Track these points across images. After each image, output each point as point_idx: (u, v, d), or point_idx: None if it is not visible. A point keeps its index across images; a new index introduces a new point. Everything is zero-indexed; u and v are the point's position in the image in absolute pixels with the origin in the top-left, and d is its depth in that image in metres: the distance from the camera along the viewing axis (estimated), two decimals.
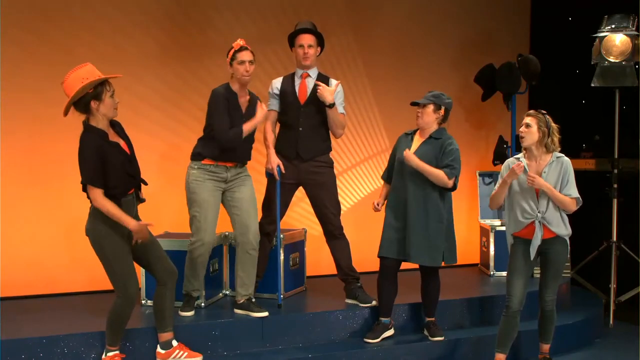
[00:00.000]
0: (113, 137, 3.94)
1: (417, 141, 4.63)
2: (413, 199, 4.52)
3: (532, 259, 4.31)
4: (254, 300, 4.77)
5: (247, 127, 4.52)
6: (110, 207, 3.82)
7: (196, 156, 4.64)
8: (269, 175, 4.91)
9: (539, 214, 4.26)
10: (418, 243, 4.51)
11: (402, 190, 4.56)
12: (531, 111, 4.37)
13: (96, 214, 3.88)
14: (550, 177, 4.28)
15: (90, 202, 3.90)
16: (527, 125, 4.29)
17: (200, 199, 4.56)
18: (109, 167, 3.82)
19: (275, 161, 4.84)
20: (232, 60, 4.55)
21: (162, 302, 4.14)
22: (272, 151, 4.88)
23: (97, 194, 3.81)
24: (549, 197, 4.25)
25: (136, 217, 4.05)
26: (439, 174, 4.46)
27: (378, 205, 4.75)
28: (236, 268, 4.74)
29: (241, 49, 4.54)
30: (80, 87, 3.76)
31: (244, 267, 4.69)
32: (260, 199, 5.05)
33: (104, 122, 3.89)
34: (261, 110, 4.56)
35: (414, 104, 4.62)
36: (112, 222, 3.87)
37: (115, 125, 4.01)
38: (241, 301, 4.69)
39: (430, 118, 4.57)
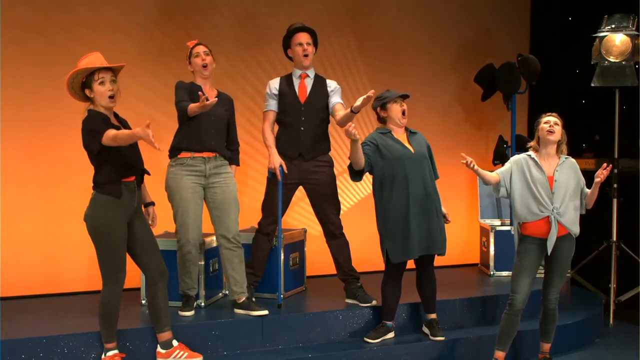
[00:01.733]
0: (115, 122, 3.99)
1: (402, 137, 4.65)
2: (429, 194, 4.56)
3: (549, 254, 4.32)
4: (253, 299, 4.78)
5: (192, 106, 4.44)
6: (115, 132, 3.76)
7: (172, 152, 4.66)
8: (272, 175, 4.90)
9: (554, 209, 4.28)
10: (440, 233, 4.58)
11: (416, 186, 4.52)
12: (554, 113, 4.42)
13: (97, 201, 3.89)
14: (562, 175, 4.34)
15: (94, 186, 3.92)
16: (556, 123, 4.37)
17: (179, 195, 4.57)
18: (109, 148, 3.84)
19: (278, 161, 4.84)
20: (190, 57, 4.70)
21: (156, 303, 4.14)
22: (274, 151, 4.87)
23: (109, 135, 3.77)
24: (564, 193, 4.30)
25: (138, 206, 4.07)
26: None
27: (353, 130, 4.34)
28: (225, 268, 4.72)
29: (196, 45, 4.70)
30: (69, 77, 3.86)
31: (233, 266, 4.68)
32: (260, 199, 5.06)
33: (104, 110, 3.94)
34: (213, 99, 4.39)
35: (405, 96, 4.66)
36: (113, 211, 3.88)
37: (117, 116, 4.05)
38: (241, 300, 4.69)
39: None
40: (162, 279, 4.14)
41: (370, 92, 4.45)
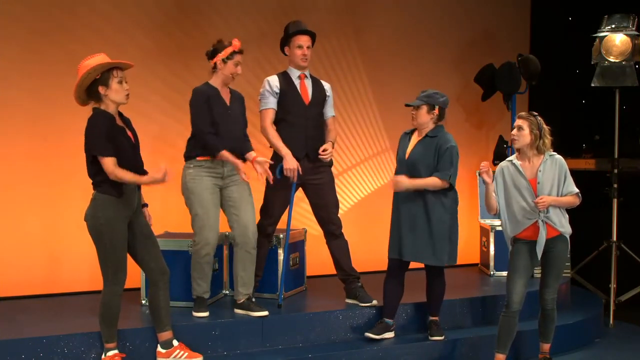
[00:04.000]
0: (119, 123, 3.99)
1: (414, 140, 4.64)
2: (414, 199, 4.53)
3: (538, 259, 4.32)
4: (253, 299, 4.78)
5: (227, 156, 4.46)
6: (124, 174, 3.84)
7: (191, 154, 4.64)
8: (282, 175, 4.82)
9: (541, 214, 4.27)
10: (420, 242, 4.52)
11: (405, 194, 4.53)
12: (522, 113, 4.39)
13: (98, 200, 3.89)
14: (546, 175, 4.30)
15: (94, 185, 3.92)
16: (519, 128, 4.32)
17: (200, 197, 4.56)
18: (116, 146, 3.87)
19: (295, 163, 4.78)
20: (229, 59, 4.58)
21: (156, 302, 4.14)
22: (289, 151, 4.79)
23: (110, 163, 3.82)
24: (550, 194, 4.26)
25: (139, 206, 4.08)
26: (432, 182, 4.46)
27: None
28: (236, 268, 4.72)
29: (240, 50, 4.60)
30: (84, 73, 3.84)
31: (245, 266, 4.68)
32: (259, 199, 5.04)
33: (113, 109, 3.95)
34: (243, 175, 4.51)
35: (407, 105, 4.62)
36: (114, 211, 3.89)
37: (121, 116, 4.06)
38: (241, 301, 4.69)
39: (424, 119, 4.57)
40: (164, 278, 4.14)
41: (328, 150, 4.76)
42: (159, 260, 4.14)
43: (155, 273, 4.12)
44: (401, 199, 4.58)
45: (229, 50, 4.56)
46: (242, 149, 4.67)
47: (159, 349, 4.19)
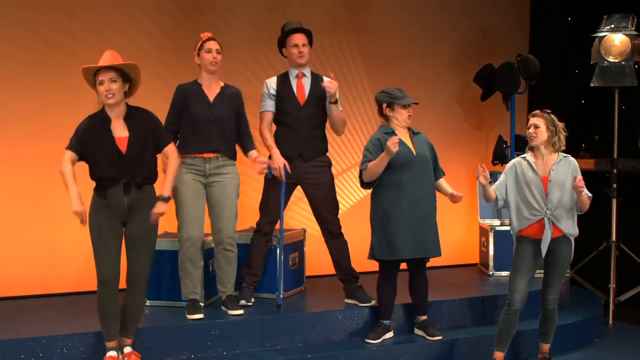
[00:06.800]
0: (118, 126, 3.98)
1: (404, 137, 4.59)
2: (427, 196, 4.55)
3: (543, 257, 4.32)
4: (253, 300, 4.80)
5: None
6: (64, 173, 3.93)
7: (180, 151, 4.63)
8: (271, 175, 4.85)
9: (547, 211, 4.27)
10: (434, 237, 4.55)
11: (414, 188, 4.50)
12: (537, 111, 4.39)
13: (92, 198, 3.99)
14: (558, 174, 4.31)
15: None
16: (536, 127, 4.33)
17: (179, 193, 4.59)
18: (89, 152, 3.97)
19: (282, 161, 4.81)
20: (200, 50, 4.65)
21: (124, 306, 4.11)
22: (277, 151, 4.84)
23: (65, 155, 3.96)
24: (560, 194, 4.27)
25: (135, 207, 4.00)
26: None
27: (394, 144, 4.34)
28: (215, 266, 4.80)
29: (209, 39, 4.66)
30: (83, 72, 3.97)
31: (220, 265, 4.74)
32: (258, 199, 5.05)
33: (110, 110, 4.00)
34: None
35: (410, 105, 4.59)
36: (97, 204, 3.96)
37: (132, 116, 4.07)
38: (223, 298, 4.74)
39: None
40: (132, 286, 4.07)
41: (330, 80, 4.68)
42: (140, 265, 4.06)
43: (130, 278, 4.08)
44: (408, 196, 4.50)
45: (199, 42, 4.65)
46: (225, 152, 4.65)
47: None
